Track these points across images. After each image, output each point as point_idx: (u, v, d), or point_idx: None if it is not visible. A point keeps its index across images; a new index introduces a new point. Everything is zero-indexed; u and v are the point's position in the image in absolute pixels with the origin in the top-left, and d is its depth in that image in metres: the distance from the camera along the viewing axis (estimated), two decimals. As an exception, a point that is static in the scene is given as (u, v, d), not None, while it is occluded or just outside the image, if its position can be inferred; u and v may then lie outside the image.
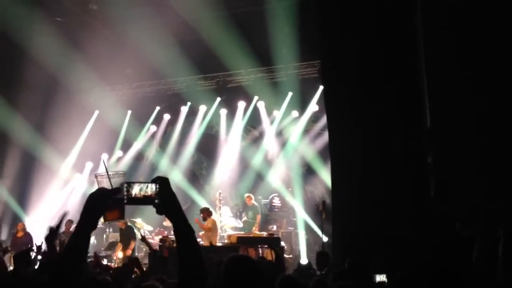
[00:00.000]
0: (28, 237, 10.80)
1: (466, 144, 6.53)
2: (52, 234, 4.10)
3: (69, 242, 1.58)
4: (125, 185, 1.63)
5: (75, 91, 13.93)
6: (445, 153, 6.85)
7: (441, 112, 7.11)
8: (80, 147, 14.67)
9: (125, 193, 1.63)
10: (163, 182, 1.64)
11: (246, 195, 12.13)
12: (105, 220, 1.66)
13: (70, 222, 11.36)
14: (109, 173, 1.64)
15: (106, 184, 1.66)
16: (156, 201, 1.62)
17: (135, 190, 1.63)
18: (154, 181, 1.65)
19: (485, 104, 6.41)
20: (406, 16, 7.55)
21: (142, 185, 1.63)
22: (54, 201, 13.85)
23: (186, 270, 1.61)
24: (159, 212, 1.64)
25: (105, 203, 1.61)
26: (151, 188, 1.63)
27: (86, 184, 14.53)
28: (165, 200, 1.63)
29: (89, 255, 10.72)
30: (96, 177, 1.69)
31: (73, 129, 14.22)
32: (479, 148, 6.44)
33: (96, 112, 14.76)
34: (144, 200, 1.63)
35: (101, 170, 1.68)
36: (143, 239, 8.05)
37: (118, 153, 15.13)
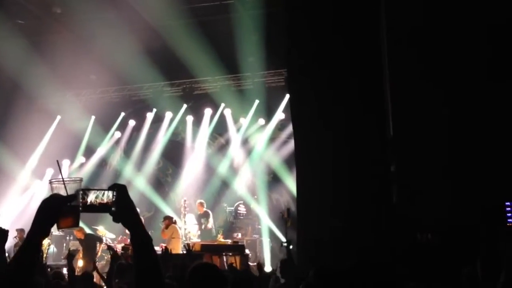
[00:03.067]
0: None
1: (429, 152, 6.70)
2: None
3: (19, 249, 1.52)
4: (81, 192, 1.59)
5: (37, 96, 13.56)
6: (408, 161, 7.01)
7: (404, 121, 7.29)
8: (40, 153, 14.27)
9: (81, 200, 1.59)
10: (120, 190, 1.60)
11: (198, 201, 12.00)
12: (58, 227, 1.60)
13: (22, 231, 11.02)
14: (65, 179, 1.60)
15: (61, 191, 1.61)
16: (112, 208, 1.58)
17: (91, 197, 1.59)
18: (111, 188, 1.61)
19: (448, 112, 6.61)
20: (372, 26, 7.72)
21: (98, 192, 1.59)
22: (13, 208, 13.40)
23: (143, 279, 1.57)
24: (115, 220, 1.60)
25: (58, 210, 1.55)
26: (107, 196, 1.59)
27: (46, 190, 14.11)
28: (122, 208, 1.59)
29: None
30: (50, 183, 1.63)
31: (33, 134, 13.84)
32: (442, 155, 6.62)
33: (58, 117, 14.42)
34: (100, 207, 1.59)
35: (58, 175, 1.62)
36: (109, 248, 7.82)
37: (80, 159, 14.80)
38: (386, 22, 7.66)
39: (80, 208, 1.59)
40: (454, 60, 6.81)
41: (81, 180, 1.64)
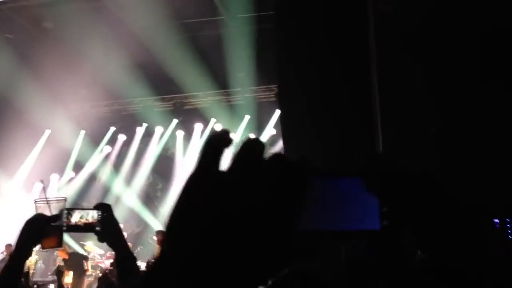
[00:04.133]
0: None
1: (420, 166, 6.74)
2: None
3: (3, 269, 1.50)
4: (65, 211, 1.58)
5: (26, 110, 13.45)
6: (398, 178, 7.03)
7: (393, 136, 7.33)
8: (29, 167, 14.13)
9: (65, 220, 1.57)
10: (105, 209, 1.60)
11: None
12: (42, 247, 1.59)
13: (10, 245, 10.86)
14: (49, 199, 1.58)
15: (45, 210, 1.60)
16: (97, 228, 1.57)
17: (76, 217, 1.58)
18: (96, 207, 1.60)
19: (435, 132, 6.67)
20: (363, 39, 7.81)
21: (82, 212, 1.58)
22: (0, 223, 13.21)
23: None
24: (100, 239, 1.59)
25: (42, 230, 1.54)
26: (92, 216, 1.58)
27: (31, 210, 13.95)
28: (107, 228, 1.59)
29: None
30: (35, 202, 1.63)
31: (22, 149, 13.71)
32: (433, 168, 6.66)
33: (48, 132, 14.31)
34: (85, 227, 1.57)
35: (42, 195, 1.60)
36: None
37: (70, 173, 14.67)
38: (376, 34, 7.75)
39: (64, 228, 1.57)
40: (445, 67, 6.89)
41: (65, 199, 1.64)
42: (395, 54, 7.22)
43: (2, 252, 10.81)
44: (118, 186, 14.14)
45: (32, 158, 14.19)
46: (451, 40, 6.93)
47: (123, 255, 1.61)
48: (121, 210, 13.15)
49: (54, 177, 14.48)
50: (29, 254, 1.53)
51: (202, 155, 0.52)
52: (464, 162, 6.54)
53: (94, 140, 14.64)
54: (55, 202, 1.59)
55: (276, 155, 0.51)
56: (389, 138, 7.40)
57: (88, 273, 10.77)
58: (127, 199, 13.63)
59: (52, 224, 1.56)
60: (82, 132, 14.56)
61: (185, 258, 0.47)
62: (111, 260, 10.06)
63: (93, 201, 14.27)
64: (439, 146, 6.65)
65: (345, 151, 7.48)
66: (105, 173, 14.66)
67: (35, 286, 9.78)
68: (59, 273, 6.68)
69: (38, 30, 12.26)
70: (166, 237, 0.49)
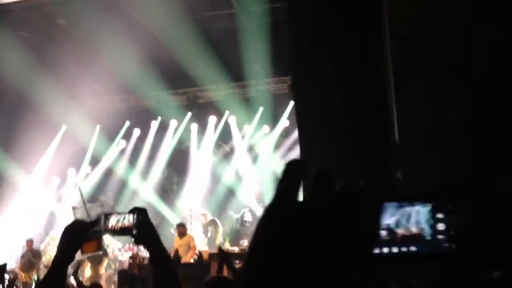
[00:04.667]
0: (-9, 256, 10.45)
1: (436, 157, 6.70)
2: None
3: (46, 275, 1.57)
4: (103, 216, 1.63)
5: (42, 106, 13.63)
6: (414, 168, 7.01)
7: (409, 127, 7.29)
8: (46, 163, 14.33)
9: (103, 225, 1.62)
10: (140, 213, 1.64)
11: (201, 213, 11.93)
12: (82, 252, 1.64)
13: (31, 241, 11.08)
14: (87, 204, 1.64)
15: (83, 216, 1.66)
16: (134, 231, 1.62)
17: (112, 221, 1.62)
18: (131, 211, 1.64)
19: (453, 119, 6.61)
20: (377, 32, 7.75)
21: (119, 216, 1.63)
22: (19, 218, 13.44)
23: None
24: (137, 242, 1.64)
25: (82, 236, 1.59)
26: (128, 220, 1.62)
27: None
28: (144, 231, 1.63)
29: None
30: (73, 208, 1.69)
31: (39, 144, 13.90)
32: (449, 159, 6.62)
33: (64, 127, 14.47)
34: (122, 231, 1.62)
35: (73, 195, 1.65)
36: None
37: (86, 168, 14.84)
38: (390, 25, 7.69)
39: (103, 233, 1.62)
40: (461, 61, 6.82)
41: (102, 204, 1.69)
42: (412, 44, 7.17)
43: (22, 247, 11.02)
44: (134, 180, 14.27)
45: (49, 154, 14.37)
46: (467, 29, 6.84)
47: (160, 256, 1.65)
48: (137, 204, 13.23)
49: (71, 172, 14.67)
50: (71, 259, 1.59)
51: (280, 186, 0.55)
52: (483, 153, 6.48)
53: (110, 135, 14.78)
54: (93, 207, 1.65)
55: (352, 183, 0.55)
56: (404, 129, 7.36)
57: (104, 265, 10.94)
58: (143, 193, 13.77)
59: (91, 229, 1.61)
60: (98, 127, 14.69)
61: (269, 281, 0.50)
62: (130, 253, 10.21)
63: (110, 195, 14.46)
64: (457, 136, 6.59)
65: (360, 142, 7.46)
66: (121, 168, 14.80)
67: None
68: (80, 263, 6.84)
69: (52, 27, 12.37)
70: (248, 262, 0.53)
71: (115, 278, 8.44)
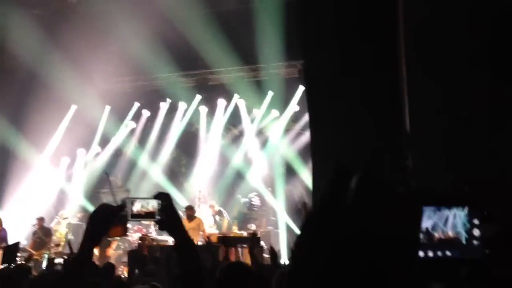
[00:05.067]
0: (3, 232, 10.59)
1: (446, 147, 6.67)
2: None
3: (74, 257, 1.62)
4: (128, 201, 1.66)
5: (53, 85, 13.66)
6: (424, 156, 6.99)
7: (420, 115, 7.25)
8: (56, 142, 14.43)
9: (127, 210, 1.65)
10: (164, 199, 1.66)
11: (209, 204, 11.94)
12: (108, 236, 1.68)
13: (41, 219, 11.22)
14: (113, 189, 1.67)
15: (108, 200, 1.68)
16: (158, 217, 1.64)
17: (137, 206, 1.66)
18: (155, 197, 1.67)
19: (466, 114, 6.56)
20: (390, 17, 7.66)
21: (143, 201, 1.66)
22: (29, 196, 13.60)
23: (187, 280, 1.64)
24: (161, 228, 1.67)
25: (109, 220, 1.63)
26: (152, 205, 1.65)
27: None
28: (168, 217, 1.65)
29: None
30: (99, 193, 1.72)
31: (49, 124, 13.97)
32: (460, 150, 6.59)
33: (74, 107, 14.53)
34: (146, 216, 1.65)
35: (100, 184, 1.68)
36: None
37: (96, 148, 14.94)
38: (404, 14, 7.60)
39: (129, 217, 1.65)
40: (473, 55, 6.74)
41: (128, 190, 1.71)
42: (425, 31, 7.08)
43: (34, 225, 11.16)
44: (143, 161, 14.35)
45: (59, 133, 14.46)
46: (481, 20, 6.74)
47: (183, 242, 1.67)
48: (147, 185, 13.39)
49: (81, 152, 14.77)
50: (98, 243, 1.62)
51: (329, 190, 0.56)
52: (495, 145, 6.44)
53: (119, 116, 14.82)
54: (119, 192, 1.68)
55: (391, 187, 0.55)
56: (415, 114, 7.32)
57: (114, 246, 11.08)
58: (152, 174, 13.86)
59: (117, 214, 1.63)
60: (108, 107, 14.73)
61: (316, 276, 0.51)
62: (139, 234, 10.31)
63: (119, 176, 14.57)
64: (469, 128, 6.55)
65: (371, 129, 7.44)
66: (130, 148, 14.87)
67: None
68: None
69: (64, 5, 12.35)
70: (295, 256, 0.55)
71: (125, 259, 8.55)
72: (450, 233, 0.85)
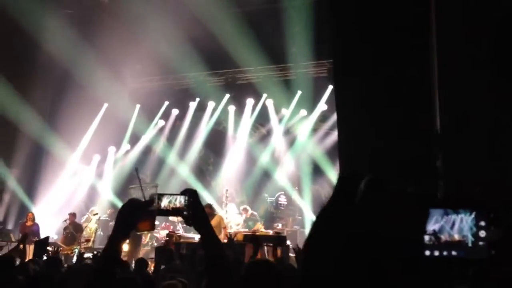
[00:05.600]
0: (36, 226, 10.91)
1: (477, 148, 6.50)
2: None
3: (104, 250, 1.68)
4: (156, 196, 1.68)
5: (85, 84, 13.96)
6: (454, 157, 6.83)
7: (452, 115, 7.08)
8: (88, 140, 14.74)
9: (155, 205, 1.68)
10: (192, 195, 1.69)
11: (242, 207, 11.96)
12: (137, 231, 1.72)
13: (73, 215, 11.48)
14: (142, 185, 1.70)
15: (139, 195, 1.71)
16: (184, 213, 1.66)
17: (164, 202, 1.68)
18: (183, 193, 1.69)
19: (497, 108, 6.38)
20: (421, 16, 7.52)
21: (171, 197, 1.68)
22: (62, 193, 13.94)
23: (214, 276, 1.65)
24: (187, 223, 1.69)
25: (138, 214, 1.66)
26: (179, 201, 1.67)
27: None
28: (194, 213, 1.67)
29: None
30: (129, 188, 1.75)
31: (82, 122, 14.29)
32: (490, 152, 6.41)
33: (105, 105, 14.81)
34: (173, 211, 1.67)
35: (131, 179, 1.71)
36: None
37: (126, 146, 15.19)
38: (436, 12, 7.44)
39: (156, 212, 1.67)
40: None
41: (156, 185, 1.74)
42: (457, 31, 6.92)
43: (65, 220, 11.43)
44: (171, 159, 14.51)
45: (91, 131, 14.77)
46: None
47: (210, 240, 1.68)
48: (175, 183, 13.54)
49: (112, 149, 15.04)
50: (127, 236, 1.66)
51: (336, 193, 0.57)
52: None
53: (149, 114, 15.04)
54: (148, 187, 1.71)
55: (400, 191, 0.56)
56: (446, 114, 7.15)
57: (144, 243, 11.25)
58: (180, 172, 14.00)
59: (146, 209, 1.67)
60: (138, 106, 14.96)
61: (324, 275, 0.51)
62: (166, 231, 10.43)
63: (148, 173, 14.78)
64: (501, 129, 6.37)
65: (401, 127, 7.31)
66: (159, 146, 15.06)
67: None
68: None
69: (96, 5, 12.59)
70: (305, 256, 0.56)
71: (152, 255, 8.66)
72: (456, 236, 0.87)
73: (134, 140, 15.18)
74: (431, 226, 0.79)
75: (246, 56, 12.53)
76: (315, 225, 0.58)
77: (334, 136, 11.59)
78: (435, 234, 0.78)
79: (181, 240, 9.35)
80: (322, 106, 13.13)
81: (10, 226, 12.96)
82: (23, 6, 11.42)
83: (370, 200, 0.56)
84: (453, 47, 7.14)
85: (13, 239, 10.66)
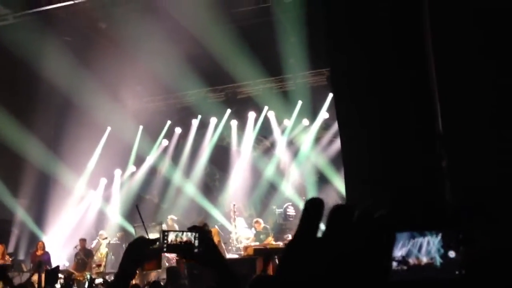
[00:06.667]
0: (47, 255, 10.92)
1: (482, 146, 6.47)
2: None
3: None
4: (162, 233, 1.67)
5: (87, 109, 14.05)
6: (460, 156, 6.79)
7: (453, 115, 7.06)
8: (94, 164, 14.79)
9: (164, 242, 1.66)
10: (202, 233, 1.66)
11: (255, 220, 11.90)
12: (143, 270, 1.72)
13: (84, 240, 11.50)
14: (145, 223, 1.69)
15: (143, 233, 1.71)
16: (195, 250, 1.63)
17: (171, 237, 1.66)
18: (190, 229, 1.66)
19: (498, 106, 6.35)
20: (415, 20, 7.54)
21: (177, 232, 1.66)
22: (71, 219, 13.96)
23: None
24: (201, 261, 1.65)
25: (143, 253, 1.64)
26: (186, 235, 1.65)
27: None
28: (206, 249, 1.63)
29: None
30: (134, 227, 1.75)
31: (86, 147, 14.36)
32: (495, 150, 6.38)
33: (109, 129, 14.89)
34: (183, 246, 1.64)
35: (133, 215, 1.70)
36: None
37: (131, 168, 15.23)
38: (430, 12, 7.46)
39: (165, 249, 1.66)
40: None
41: (161, 223, 1.74)
42: (452, 34, 6.93)
43: (75, 247, 11.44)
44: (177, 177, 14.52)
45: (96, 155, 14.83)
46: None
47: (225, 277, 1.63)
48: (181, 201, 13.54)
49: (117, 172, 15.08)
50: (134, 275, 1.64)
51: (303, 222, 0.58)
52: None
53: (152, 134, 15.09)
54: (152, 226, 1.71)
55: (366, 215, 0.57)
56: (449, 123, 7.13)
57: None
58: (187, 190, 14.00)
59: (151, 247, 1.65)
60: (141, 127, 15.03)
61: None
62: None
63: (155, 193, 14.80)
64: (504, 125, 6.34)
65: (403, 130, 7.29)
66: (164, 166, 15.09)
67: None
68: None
69: (94, 31, 12.71)
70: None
71: (164, 275, 8.62)
72: (425, 259, 0.86)
73: (139, 161, 15.22)
74: (399, 251, 0.78)
75: (245, 71, 12.59)
76: (282, 256, 0.60)
77: (337, 143, 11.58)
78: (403, 259, 0.77)
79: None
80: (323, 114, 13.14)
81: (21, 256, 12.97)
82: (22, 37, 11.56)
83: (337, 227, 0.57)
84: (450, 47, 7.15)
85: (24, 269, 10.66)
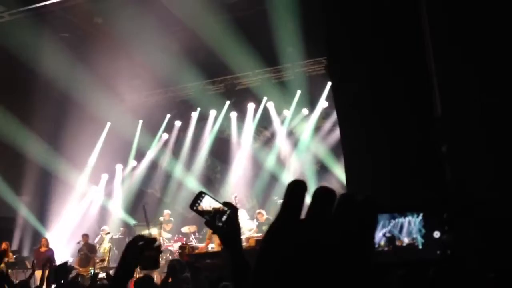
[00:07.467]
0: (50, 251, 10.96)
1: (480, 133, 6.44)
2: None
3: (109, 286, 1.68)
4: (199, 193, 1.64)
5: (86, 105, 14.03)
6: (459, 141, 6.77)
7: (452, 101, 7.03)
8: (94, 160, 14.81)
9: (197, 201, 1.62)
10: (233, 212, 1.62)
11: (257, 211, 11.93)
12: (141, 269, 1.72)
13: (87, 236, 11.54)
14: (148, 222, 1.68)
15: (144, 231, 1.71)
16: (219, 224, 1.59)
17: (205, 201, 1.62)
18: (225, 204, 1.63)
19: (498, 101, 6.31)
20: (413, 6, 7.48)
21: (212, 200, 1.62)
22: (73, 215, 14.01)
23: None
24: (220, 237, 1.62)
25: (142, 253, 1.64)
26: (214, 206, 1.61)
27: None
28: (231, 230, 1.61)
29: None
30: (134, 226, 1.75)
31: (86, 143, 14.36)
32: (495, 133, 6.35)
33: (108, 124, 14.88)
34: (211, 214, 1.59)
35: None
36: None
37: (132, 162, 15.24)
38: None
39: (194, 208, 1.62)
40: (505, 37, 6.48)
41: (161, 223, 1.72)
42: (450, 24, 6.87)
43: (79, 242, 11.48)
44: (178, 171, 14.53)
45: (96, 151, 14.84)
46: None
47: (238, 262, 1.62)
48: (184, 195, 13.56)
49: (119, 167, 15.10)
50: (132, 273, 1.64)
51: (285, 204, 0.57)
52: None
53: (152, 128, 15.08)
54: (152, 225, 1.70)
55: (348, 199, 0.55)
56: (447, 101, 7.10)
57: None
58: (188, 183, 14.01)
59: (150, 246, 1.65)
60: (140, 121, 15.02)
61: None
62: (179, 243, 10.43)
63: (157, 187, 14.83)
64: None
65: (402, 116, 7.26)
66: (165, 160, 15.10)
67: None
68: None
69: (90, 26, 12.67)
70: (255, 276, 0.55)
71: (166, 269, 8.65)
72: (406, 240, 0.86)
73: (140, 155, 15.23)
74: (380, 232, 0.78)
75: (243, 62, 12.54)
76: (263, 240, 0.58)
77: (337, 132, 11.56)
78: (384, 240, 0.77)
79: (194, 251, 9.35)
80: (323, 103, 13.11)
81: (25, 253, 13.03)
82: (19, 34, 11.52)
83: (318, 211, 0.56)
84: (447, 34, 7.10)
85: (28, 266, 10.71)
